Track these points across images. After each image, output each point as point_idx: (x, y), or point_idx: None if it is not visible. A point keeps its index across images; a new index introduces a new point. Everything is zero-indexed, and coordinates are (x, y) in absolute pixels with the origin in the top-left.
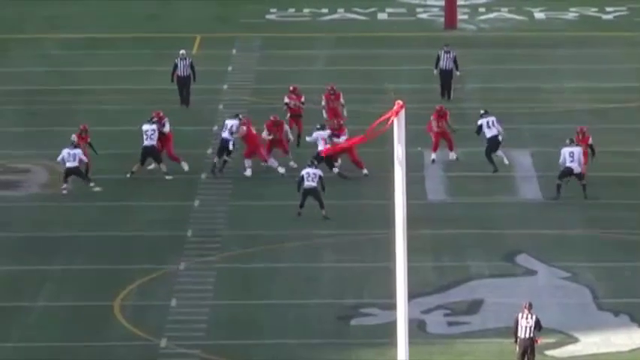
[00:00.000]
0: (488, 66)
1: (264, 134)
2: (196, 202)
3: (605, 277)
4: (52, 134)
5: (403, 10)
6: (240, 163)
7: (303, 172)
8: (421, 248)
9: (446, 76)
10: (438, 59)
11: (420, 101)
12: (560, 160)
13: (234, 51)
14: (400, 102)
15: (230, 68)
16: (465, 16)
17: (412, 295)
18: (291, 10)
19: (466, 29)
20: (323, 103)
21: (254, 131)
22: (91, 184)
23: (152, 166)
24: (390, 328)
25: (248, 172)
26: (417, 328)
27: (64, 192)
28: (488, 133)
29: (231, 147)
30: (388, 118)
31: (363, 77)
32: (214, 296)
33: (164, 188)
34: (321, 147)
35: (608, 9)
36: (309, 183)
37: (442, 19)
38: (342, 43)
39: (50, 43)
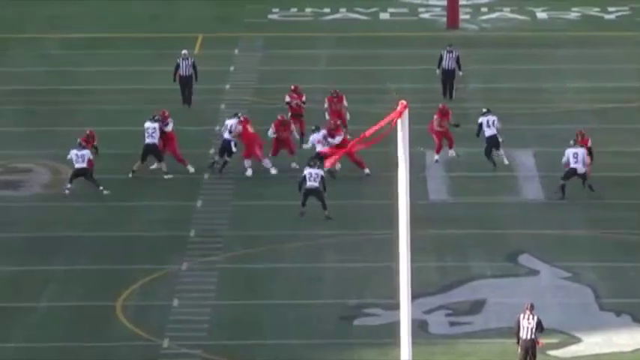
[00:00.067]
0: (490, 66)
1: (270, 133)
2: (199, 203)
3: (608, 277)
4: (53, 134)
5: (405, 9)
6: (241, 164)
7: (305, 172)
8: (423, 248)
9: (448, 76)
10: (441, 59)
11: (422, 101)
12: (564, 160)
13: (236, 51)
14: (404, 102)
15: (232, 68)
16: (467, 16)
17: (414, 296)
18: (294, 10)
19: (468, 29)
20: (326, 105)
21: (251, 130)
22: (101, 188)
23: (154, 165)
24: (393, 328)
25: (249, 172)
26: (419, 328)
27: (67, 192)
28: (488, 132)
29: (233, 148)
30: (392, 120)
31: (365, 77)
32: (216, 296)
33: (166, 188)
34: (319, 147)
35: (611, 9)
36: (311, 183)
37: (444, 19)
38: (344, 42)
39: (50, 43)
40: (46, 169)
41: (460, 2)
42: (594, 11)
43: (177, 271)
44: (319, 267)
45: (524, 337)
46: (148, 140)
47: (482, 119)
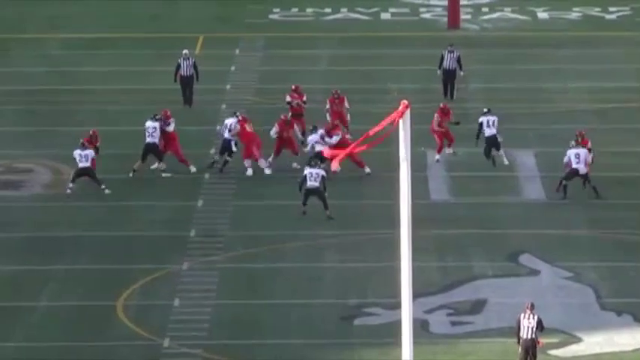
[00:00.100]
0: (491, 66)
1: (272, 132)
2: (199, 202)
3: (608, 277)
4: (53, 134)
5: (406, 9)
6: (242, 163)
7: (306, 171)
8: (424, 248)
9: (449, 76)
10: (442, 59)
11: (423, 101)
12: (565, 160)
13: (237, 51)
14: (405, 102)
15: (233, 68)
16: (468, 16)
17: (415, 295)
18: (294, 10)
19: (469, 29)
20: (327, 106)
21: (249, 130)
22: (102, 187)
23: (155, 165)
24: (394, 327)
25: (249, 172)
26: (420, 327)
27: (69, 191)
28: (487, 132)
29: (233, 147)
30: (394, 120)
31: (366, 77)
32: (217, 296)
33: (167, 188)
34: (319, 147)
35: (612, 9)
36: (312, 183)
37: (445, 19)
38: (345, 42)
39: (51, 43)
40: (47, 169)
41: (461, 2)
42: (595, 11)
43: (178, 270)
44: (320, 267)
45: (524, 336)
46: (148, 139)
47: (482, 119)
